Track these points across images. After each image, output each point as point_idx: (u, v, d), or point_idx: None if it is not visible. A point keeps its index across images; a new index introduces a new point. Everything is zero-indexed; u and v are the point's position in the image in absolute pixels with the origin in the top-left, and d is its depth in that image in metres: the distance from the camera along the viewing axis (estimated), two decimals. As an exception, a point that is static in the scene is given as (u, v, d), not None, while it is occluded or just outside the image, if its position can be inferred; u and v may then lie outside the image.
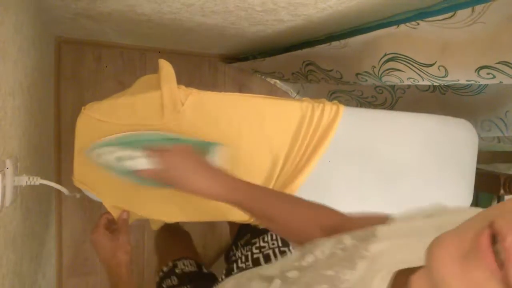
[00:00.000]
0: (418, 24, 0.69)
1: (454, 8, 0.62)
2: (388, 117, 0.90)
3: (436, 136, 0.93)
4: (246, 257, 0.83)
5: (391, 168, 0.90)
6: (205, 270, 0.90)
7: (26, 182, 0.61)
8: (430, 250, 0.27)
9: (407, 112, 0.92)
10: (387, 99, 1.25)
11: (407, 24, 0.71)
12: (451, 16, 0.64)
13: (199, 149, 0.68)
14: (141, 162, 0.62)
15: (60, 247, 1.29)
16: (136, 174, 0.63)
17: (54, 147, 1.22)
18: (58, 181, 1.24)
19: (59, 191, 1.25)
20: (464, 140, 0.96)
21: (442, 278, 0.26)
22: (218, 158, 0.70)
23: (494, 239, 0.25)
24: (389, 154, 0.90)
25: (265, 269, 0.52)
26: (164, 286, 0.85)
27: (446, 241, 0.27)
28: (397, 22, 0.73)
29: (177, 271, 0.86)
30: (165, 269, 0.88)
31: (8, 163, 0.54)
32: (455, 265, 0.25)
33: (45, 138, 0.99)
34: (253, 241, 0.86)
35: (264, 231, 0.87)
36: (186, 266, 0.88)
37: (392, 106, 1.26)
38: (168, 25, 0.99)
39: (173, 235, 1.02)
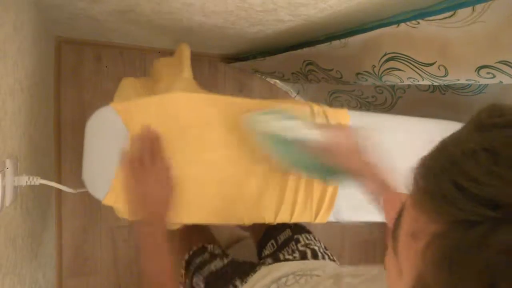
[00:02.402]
0: (418, 23, 0.69)
1: (454, 7, 0.62)
2: (393, 122, 0.90)
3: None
4: (293, 250, 0.82)
5: (394, 173, 0.90)
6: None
7: (26, 182, 0.61)
8: None
9: (412, 117, 0.92)
10: (387, 99, 1.25)
11: (407, 23, 0.71)
12: (451, 16, 0.64)
13: None
14: (312, 132, 0.65)
15: (60, 247, 1.29)
16: (300, 144, 0.64)
17: (54, 147, 1.22)
18: (58, 181, 1.24)
19: (59, 191, 1.25)
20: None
21: None
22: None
23: None
24: (394, 158, 0.90)
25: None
26: (197, 261, 0.82)
27: None
28: (397, 22, 0.73)
29: (209, 250, 0.85)
30: (195, 248, 0.86)
31: (8, 163, 0.54)
32: None
33: (45, 138, 0.99)
34: (296, 237, 0.85)
35: (305, 231, 0.87)
36: (216, 249, 0.87)
37: (392, 106, 1.26)
38: (168, 25, 0.99)
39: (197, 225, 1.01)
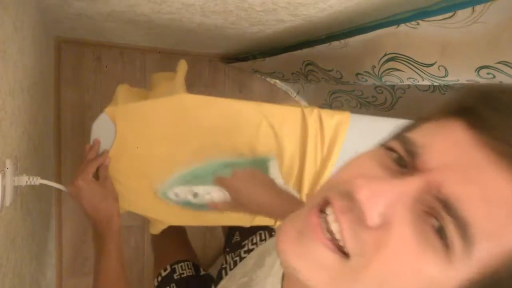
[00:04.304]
0: (418, 23, 0.69)
1: (454, 7, 0.62)
2: (396, 125, 0.90)
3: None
4: (235, 262, 0.82)
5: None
6: (202, 272, 0.89)
7: (26, 182, 0.61)
8: (276, 237, 0.28)
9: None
10: (387, 99, 1.25)
11: (407, 23, 0.71)
12: (451, 16, 0.64)
13: (256, 166, 0.72)
14: (215, 194, 0.68)
15: (60, 247, 1.29)
16: (212, 207, 0.69)
17: (54, 147, 1.22)
18: (58, 181, 1.24)
19: (59, 191, 1.25)
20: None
21: (287, 261, 0.27)
22: (274, 171, 0.73)
23: (325, 210, 0.27)
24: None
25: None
26: None
27: (285, 225, 0.28)
28: (397, 22, 0.73)
29: (175, 276, 0.86)
30: (163, 273, 0.87)
31: (8, 163, 0.54)
32: (294, 245, 0.27)
33: (45, 138, 0.99)
34: (243, 243, 0.86)
35: (253, 232, 0.87)
36: (184, 270, 0.88)
37: (392, 106, 1.26)
38: (168, 25, 0.99)
39: (170, 235, 1.01)
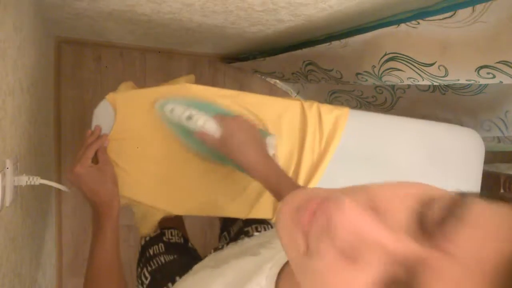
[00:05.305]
0: (419, 23, 0.69)
1: (454, 7, 0.62)
2: (395, 123, 0.91)
3: (443, 144, 0.94)
4: (236, 243, 0.82)
5: (396, 174, 0.90)
6: (190, 245, 0.89)
7: (26, 182, 0.61)
8: (282, 202, 0.29)
9: (415, 118, 0.92)
10: (387, 99, 1.25)
11: (408, 23, 0.71)
12: (452, 16, 0.64)
13: None
14: (209, 125, 0.65)
15: (60, 247, 1.29)
16: (198, 136, 0.66)
17: (54, 147, 1.22)
18: (58, 181, 1.24)
19: (59, 191, 1.25)
20: (470, 149, 0.97)
21: (279, 228, 0.28)
22: (270, 148, 0.72)
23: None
24: (395, 160, 0.90)
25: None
26: (150, 251, 0.83)
27: (296, 194, 0.29)
28: (398, 22, 0.73)
29: (164, 239, 0.85)
30: (152, 234, 0.86)
31: (8, 163, 0.54)
32: (289, 217, 0.27)
33: (45, 138, 0.99)
34: (246, 229, 0.85)
35: (258, 221, 0.87)
36: (173, 236, 0.87)
37: (392, 106, 1.26)
38: (168, 25, 0.99)
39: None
